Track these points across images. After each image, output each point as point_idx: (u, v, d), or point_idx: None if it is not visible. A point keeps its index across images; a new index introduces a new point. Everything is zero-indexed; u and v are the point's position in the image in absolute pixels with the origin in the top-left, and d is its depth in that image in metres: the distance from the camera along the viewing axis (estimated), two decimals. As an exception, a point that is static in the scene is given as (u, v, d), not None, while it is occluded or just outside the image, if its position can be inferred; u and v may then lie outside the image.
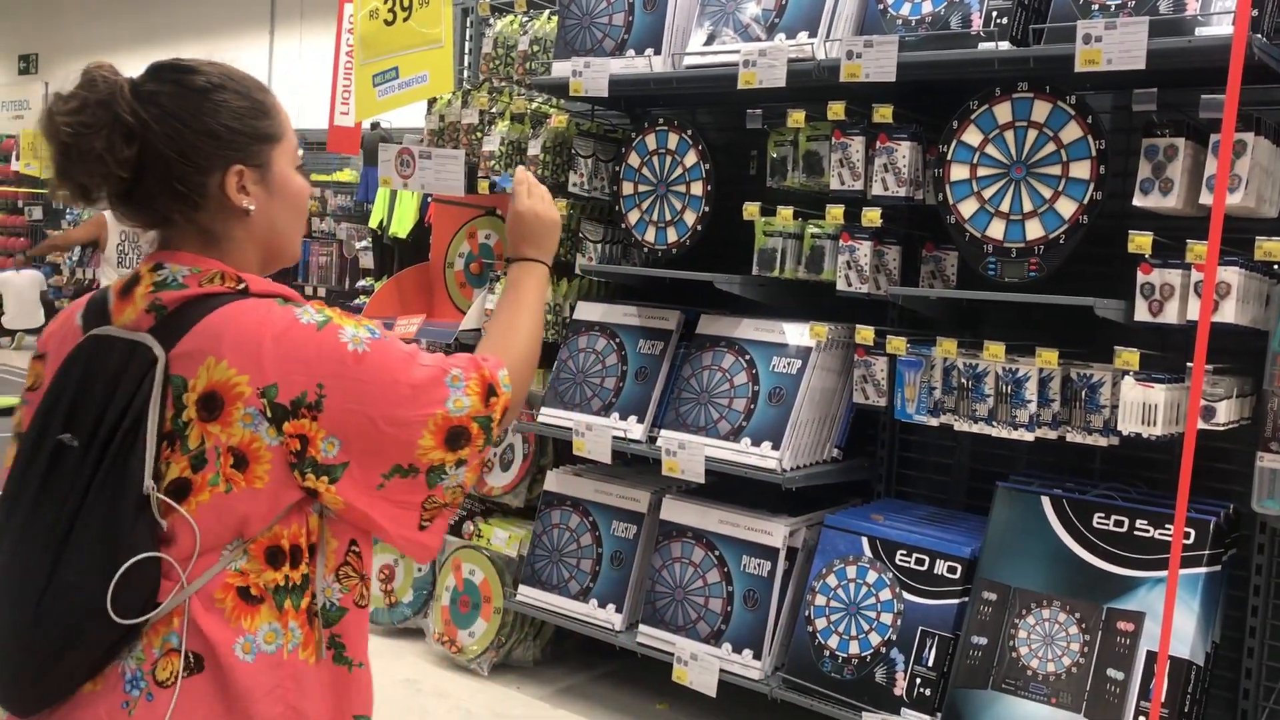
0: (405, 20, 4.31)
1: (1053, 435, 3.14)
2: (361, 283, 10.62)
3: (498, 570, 4.20)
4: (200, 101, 1.43)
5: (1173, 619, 2.68)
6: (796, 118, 3.48)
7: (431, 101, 4.64)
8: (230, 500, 1.35)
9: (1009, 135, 3.15)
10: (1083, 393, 3.10)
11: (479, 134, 4.43)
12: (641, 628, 3.72)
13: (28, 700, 1.35)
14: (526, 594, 4.01)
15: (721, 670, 3.47)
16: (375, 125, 8.63)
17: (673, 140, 3.89)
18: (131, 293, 1.43)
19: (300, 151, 1.61)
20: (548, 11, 4.44)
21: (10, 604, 1.33)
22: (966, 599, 3.23)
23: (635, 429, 3.78)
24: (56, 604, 1.30)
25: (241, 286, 1.42)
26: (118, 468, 1.33)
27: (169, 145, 1.40)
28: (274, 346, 1.36)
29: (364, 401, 1.37)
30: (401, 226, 6.51)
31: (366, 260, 10.45)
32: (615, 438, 3.77)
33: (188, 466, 1.35)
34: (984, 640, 3.15)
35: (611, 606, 3.81)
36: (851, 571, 3.39)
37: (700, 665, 3.51)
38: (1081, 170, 3.05)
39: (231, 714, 1.36)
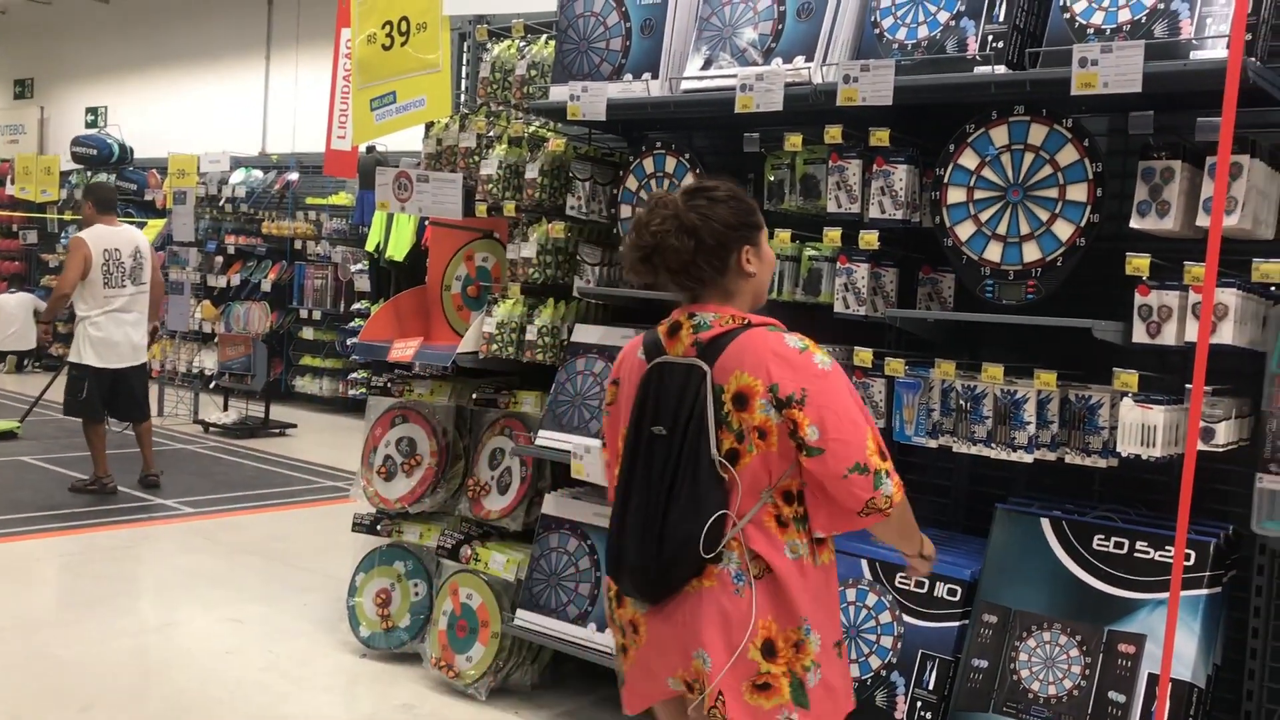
0: (403, 45, 4.33)
1: (1051, 457, 3.14)
2: (357, 305, 10.64)
3: (495, 594, 4.18)
4: (723, 208, 2.23)
5: (1174, 641, 2.67)
6: (794, 141, 3.50)
7: (429, 125, 4.65)
8: (761, 460, 2.16)
9: (1005, 158, 3.16)
10: (1081, 414, 3.10)
11: (476, 158, 4.44)
12: (640, 652, 3.70)
13: (657, 594, 2.20)
14: (525, 618, 3.99)
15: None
16: (371, 149, 8.66)
17: (670, 164, 3.90)
18: (677, 334, 2.24)
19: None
20: (545, 36, 4.46)
21: (640, 539, 2.17)
22: (967, 621, 3.23)
23: (634, 452, 3.77)
24: (669, 540, 2.13)
25: (745, 323, 2.21)
26: (693, 447, 2.15)
27: (711, 236, 2.20)
28: (774, 360, 2.15)
29: (832, 401, 2.12)
30: (398, 250, 6.52)
31: (361, 283, 10.46)
32: (614, 461, 3.76)
33: (734, 441, 2.16)
34: (985, 663, 3.14)
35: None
36: (851, 594, 3.38)
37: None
38: (1078, 193, 3.06)
39: (782, 602, 2.15)
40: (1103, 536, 3.13)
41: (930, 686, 3.20)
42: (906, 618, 3.29)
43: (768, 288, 2.37)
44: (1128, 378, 2.95)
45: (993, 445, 3.19)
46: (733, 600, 2.15)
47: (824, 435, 2.11)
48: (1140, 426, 2.91)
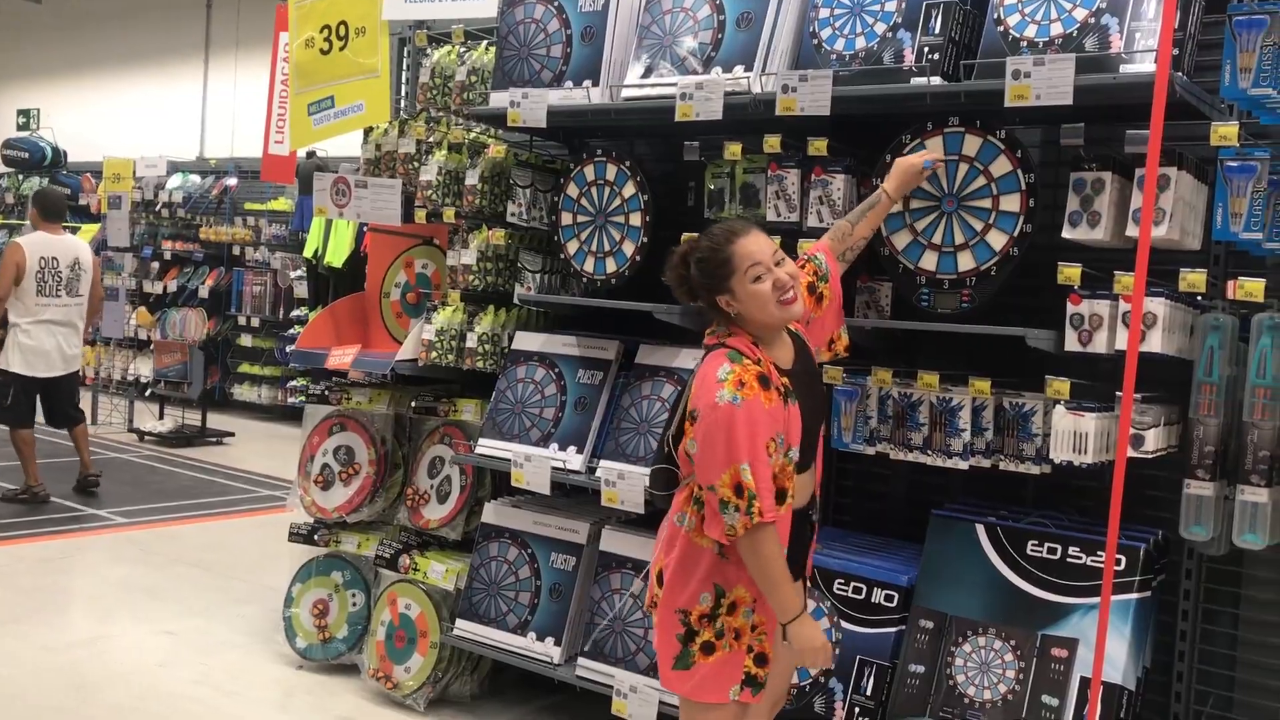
0: (342, 50, 4.29)
1: (986, 464, 3.17)
2: (296, 312, 10.49)
3: (434, 604, 4.15)
4: (697, 269, 2.62)
5: (1105, 645, 2.71)
6: (733, 150, 3.51)
7: (368, 131, 4.61)
8: (684, 450, 2.59)
9: (940, 169, 3.20)
10: (1015, 421, 3.14)
11: (416, 163, 4.41)
12: (581, 660, 3.69)
13: (655, 501, 2.84)
14: (464, 628, 3.96)
15: (661, 702, 3.45)
16: (311, 154, 8.56)
17: (611, 171, 3.90)
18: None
19: (756, 255, 2.57)
20: (485, 42, 4.44)
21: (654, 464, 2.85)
22: (904, 627, 3.25)
23: (574, 459, 3.76)
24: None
25: (723, 343, 2.59)
26: (669, 421, 3.01)
27: (698, 289, 2.64)
28: (699, 381, 2.55)
29: (709, 429, 2.47)
30: (336, 256, 6.44)
31: (301, 290, 10.32)
32: (554, 468, 3.75)
33: (680, 430, 2.62)
34: (921, 668, 3.17)
35: (550, 639, 3.78)
36: (790, 601, 3.38)
37: (640, 697, 3.49)
38: (1011, 203, 3.11)
39: (667, 548, 2.67)
40: (1036, 542, 3.17)
41: (868, 692, 3.22)
42: (844, 624, 3.31)
43: (761, 316, 2.57)
44: (1060, 385, 2.99)
45: (929, 452, 3.23)
46: (665, 528, 2.72)
47: (698, 452, 2.51)
48: (1072, 433, 2.95)
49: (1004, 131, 3.13)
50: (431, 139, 4.43)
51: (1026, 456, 3.13)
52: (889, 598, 3.28)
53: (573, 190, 3.99)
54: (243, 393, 11.60)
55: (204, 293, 11.61)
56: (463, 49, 4.49)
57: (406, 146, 4.46)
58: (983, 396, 3.14)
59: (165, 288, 11.90)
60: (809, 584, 2.94)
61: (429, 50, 4.62)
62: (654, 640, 2.71)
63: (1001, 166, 3.12)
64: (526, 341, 4.08)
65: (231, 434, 10.11)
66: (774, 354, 2.63)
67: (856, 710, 3.22)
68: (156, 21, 14.32)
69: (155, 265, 12.05)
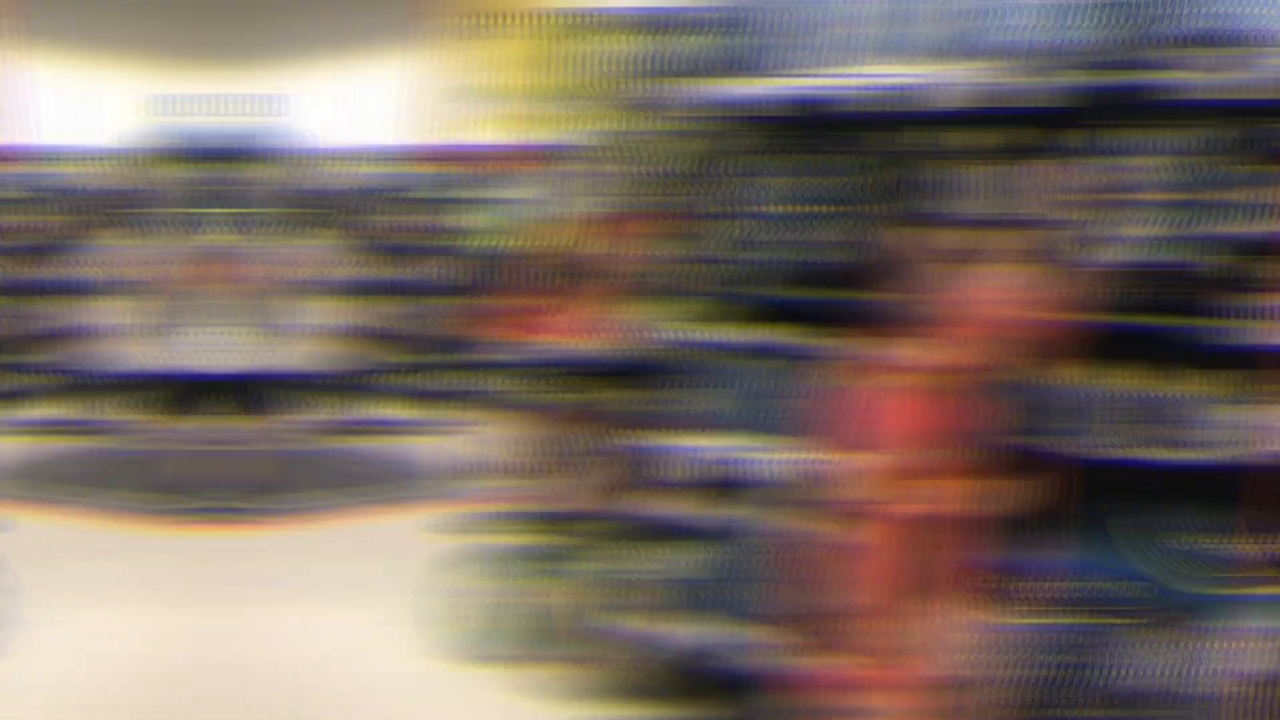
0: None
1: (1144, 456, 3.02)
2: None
3: (594, 594, 4.10)
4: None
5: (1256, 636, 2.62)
6: (971, 140, 3.36)
7: (570, 123, 4.61)
8: None
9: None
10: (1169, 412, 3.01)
11: (632, 155, 4.33)
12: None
13: None
14: (615, 618, 3.90)
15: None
16: (519, 146, 8.73)
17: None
18: None
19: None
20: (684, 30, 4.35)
21: None
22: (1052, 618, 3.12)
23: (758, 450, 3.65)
24: None
25: None
26: None
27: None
28: None
29: None
30: (528, 243, 6.57)
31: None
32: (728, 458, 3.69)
33: None
34: (1070, 658, 3.10)
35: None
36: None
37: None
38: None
39: None
40: (1187, 534, 3.02)
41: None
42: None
43: None
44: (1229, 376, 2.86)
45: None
46: None
47: None
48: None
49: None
50: (639, 127, 4.39)
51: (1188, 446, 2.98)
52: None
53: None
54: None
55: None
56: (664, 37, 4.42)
57: (610, 138, 4.43)
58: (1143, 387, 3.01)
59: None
60: None
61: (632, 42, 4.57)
62: None
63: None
64: (735, 334, 3.92)
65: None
66: None
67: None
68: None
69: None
